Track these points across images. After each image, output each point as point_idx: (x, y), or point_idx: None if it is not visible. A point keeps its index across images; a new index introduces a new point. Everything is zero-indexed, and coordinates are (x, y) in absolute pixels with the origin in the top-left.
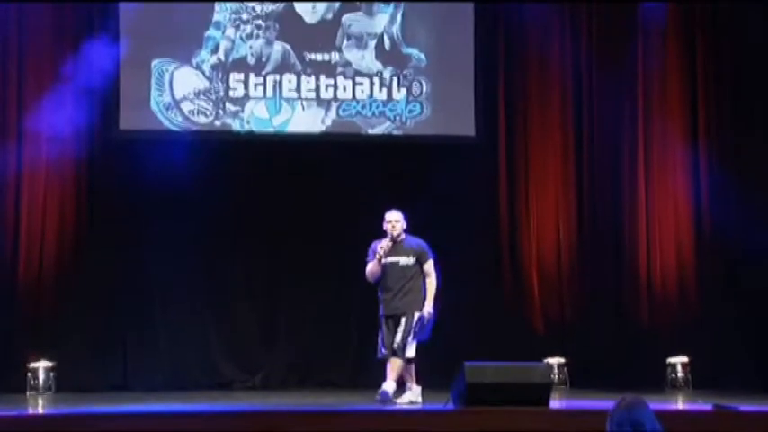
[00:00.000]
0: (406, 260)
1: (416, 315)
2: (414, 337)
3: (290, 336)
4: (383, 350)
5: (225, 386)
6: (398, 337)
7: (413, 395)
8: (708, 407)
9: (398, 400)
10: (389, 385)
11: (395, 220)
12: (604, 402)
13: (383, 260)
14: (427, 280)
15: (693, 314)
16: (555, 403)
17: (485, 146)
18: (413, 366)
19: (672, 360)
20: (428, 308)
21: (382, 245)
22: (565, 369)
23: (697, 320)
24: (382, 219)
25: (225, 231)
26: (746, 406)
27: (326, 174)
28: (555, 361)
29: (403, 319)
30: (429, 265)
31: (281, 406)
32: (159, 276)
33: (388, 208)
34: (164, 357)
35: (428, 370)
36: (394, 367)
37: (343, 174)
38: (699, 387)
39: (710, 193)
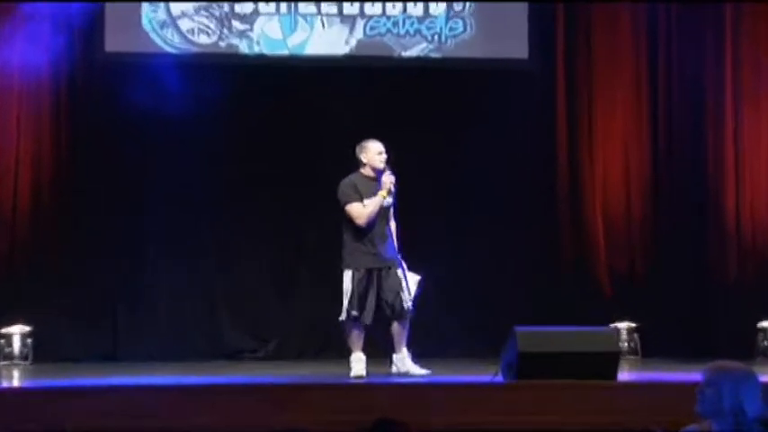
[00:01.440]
0: (388, 200)
1: (416, 277)
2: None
3: (309, 299)
4: (353, 312)
5: (232, 356)
6: (407, 295)
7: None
8: None
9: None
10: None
11: (384, 151)
12: (682, 375)
13: (365, 200)
14: (390, 223)
15: None
16: (624, 375)
17: (539, 72)
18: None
19: (764, 324)
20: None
21: (390, 179)
22: (635, 335)
23: None
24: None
25: (231, 174)
26: None
27: (351, 105)
28: (624, 326)
29: (399, 272)
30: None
31: (298, 377)
32: (154, 227)
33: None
34: (160, 323)
35: (471, 337)
36: (406, 330)
37: (371, 104)
38: None
39: None
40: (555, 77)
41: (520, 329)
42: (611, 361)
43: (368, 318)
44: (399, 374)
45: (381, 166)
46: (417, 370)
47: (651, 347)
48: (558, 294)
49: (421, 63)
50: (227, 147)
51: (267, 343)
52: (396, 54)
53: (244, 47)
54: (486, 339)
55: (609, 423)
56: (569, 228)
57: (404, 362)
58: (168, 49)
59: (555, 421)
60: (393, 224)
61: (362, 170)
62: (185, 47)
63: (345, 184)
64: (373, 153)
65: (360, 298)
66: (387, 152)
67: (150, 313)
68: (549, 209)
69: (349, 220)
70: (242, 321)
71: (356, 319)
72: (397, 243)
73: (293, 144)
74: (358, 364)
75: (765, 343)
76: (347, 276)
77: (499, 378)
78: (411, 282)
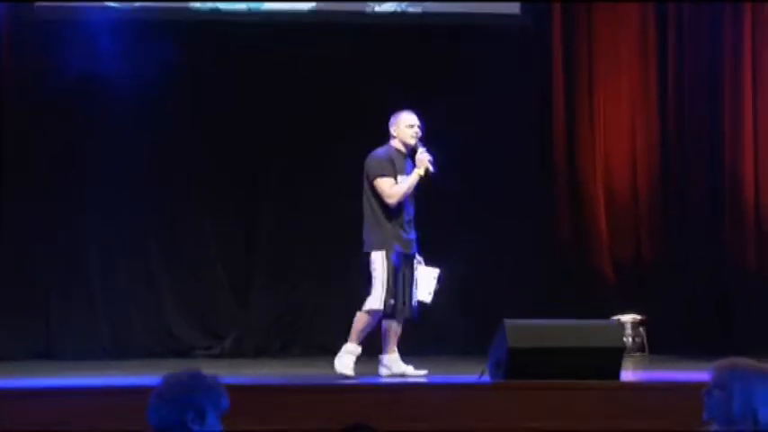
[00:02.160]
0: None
1: (435, 270)
2: None
3: (271, 289)
4: (392, 301)
5: (183, 354)
6: (416, 293)
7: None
8: None
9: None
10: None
11: (418, 125)
12: (693, 374)
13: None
14: None
15: None
16: (628, 374)
17: (534, 29)
18: None
19: None
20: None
21: (426, 156)
22: (641, 329)
23: None
24: (387, 122)
25: (181, 148)
26: None
27: (317, 68)
28: (628, 318)
29: (417, 266)
30: None
31: (258, 378)
32: (94, 210)
33: (396, 110)
34: (101, 317)
35: (454, 334)
36: (399, 332)
37: (340, 67)
38: None
39: None
40: (551, 35)
41: (510, 322)
42: (613, 358)
43: (407, 309)
44: (392, 376)
45: (412, 141)
46: (414, 371)
47: (659, 343)
48: (554, 284)
49: (396, 19)
50: (176, 117)
51: (223, 339)
52: (368, 9)
53: (195, 2)
54: (479, 335)
55: (611, 428)
56: (567, 208)
57: (398, 363)
58: (110, 3)
59: (549, 427)
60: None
61: (393, 143)
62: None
63: (379, 155)
64: (403, 126)
65: (395, 285)
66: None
67: (88, 306)
68: (545, 186)
69: (377, 196)
70: (193, 316)
71: (393, 309)
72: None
73: (252, 113)
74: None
75: None
76: (378, 259)
77: (486, 378)
78: (429, 276)
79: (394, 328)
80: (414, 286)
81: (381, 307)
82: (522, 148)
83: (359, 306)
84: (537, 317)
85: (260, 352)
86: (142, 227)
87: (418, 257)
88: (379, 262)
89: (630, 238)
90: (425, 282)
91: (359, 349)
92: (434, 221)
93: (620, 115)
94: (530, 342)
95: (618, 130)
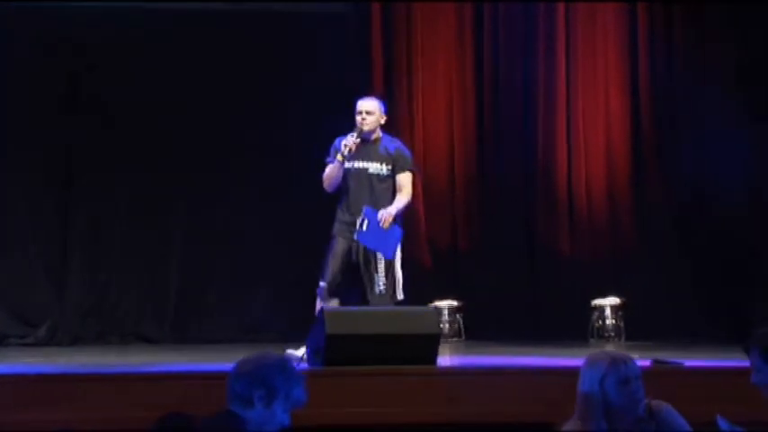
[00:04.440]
0: (377, 167)
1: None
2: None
3: (87, 273)
4: (321, 280)
5: None
6: (379, 279)
7: None
8: (646, 362)
9: None
10: None
11: (366, 111)
12: (510, 359)
13: (346, 163)
14: (397, 195)
15: (626, 246)
16: (445, 360)
17: (352, 15)
18: None
19: (598, 302)
20: (391, 209)
21: (347, 141)
22: (458, 315)
23: (631, 255)
24: None
25: None
26: (691, 361)
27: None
28: (445, 304)
29: (378, 254)
30: (405, 178)
31: (75, 367)
32: None
33: None
34: None
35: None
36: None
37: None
38: (632, 338)
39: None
40: (369, 22)
41: (328, 309)
42: (430, 344)
43: (333, 290)
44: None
45: (357, 126)
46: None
47: (476, 329)
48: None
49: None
50: None
51: (37, 327)
52: None
53: None
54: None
55: (429, 413)
56: None
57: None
58: None
59: (367, 413)
60: (399, 195)
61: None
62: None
63: (334, 142)
64: (356, 112)
65: (331, 268)
66: (375, 112)
67: None
68: None
69: None
70: (4, 301)
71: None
72: (394, 206)
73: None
74: None
75: (600, 323)
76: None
77: (304, 364)
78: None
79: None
80: (380, 270)
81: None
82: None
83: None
84: (356, 304)
85: (75, 341)
86: None
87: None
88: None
89: (447, 226)
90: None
91: None
92: None
93: (437, 104)
94: (347, 329)
95: (436, 120)
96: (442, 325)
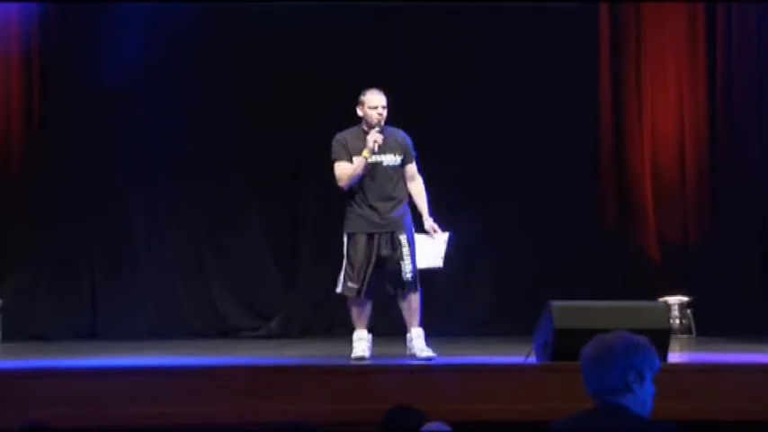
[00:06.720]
0: (392, 159)
1: (445, 234)
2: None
3: (316, 271)
4: (349, 284)
5: (228, 334)
6: (408, 265)
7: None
8: None
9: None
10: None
11: (383, 105)
12: (740, 356)
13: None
14: (412, 184)
15: None
16: (675, 356)
17: (580, 9)
18: None
19: None
20: (431, 221)
21: (374, 137)
22: (688, 311)
23: None
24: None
25: (228, 126)
26: None
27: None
28: (675, 300)
29: (402, 239)
30: (414, 167)
31: (302, 359)
32: (140, 190)
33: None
34: (146, 297)
35: (501, 315)
36: (415, 306)
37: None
38: None
39: None
40: (597, 16)
41: (556, 304)
42: (660, 340)
43: (366, 290)
44: (411, 357)
45: (374, 122)
46: (422, 352)
47: (706, 325)
48: (600, 265)
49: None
50: (220, 93)
51: (269, 320)
52: None
53: None
54: (521, 318)
55: (657, 410)
56: (613, 191)
57: (411, 343)
58: None
59: None
60: (416, 185)
61: (362, 124)
62: None
63: (336, 139)
64: (368, 107)
65: (358, 267)
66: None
67: (133, 286)
68: (591, 166)
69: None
70: (240, 296)
71: (356, 291)
72: (427, 207)
73: (292, 98)
74: (359, 343)
75: None
76: (345, 242)
77: (532, 359)
78: (439, 242)
79: (403, 306)
80: (385, 259)
81: (341, 289)
82: (569, 128)
83: None
84: (583, 299)
85: (305, 333)
86: (187, 206)
87: (411, 230)
88: (345, 245)
89: (677, 220)
90: (434, 247)
91: (363, 333)
92: (473, 200)
93: (666, 95)
94: (576, 323)
95: (665, 112)
96: (672, 321)
